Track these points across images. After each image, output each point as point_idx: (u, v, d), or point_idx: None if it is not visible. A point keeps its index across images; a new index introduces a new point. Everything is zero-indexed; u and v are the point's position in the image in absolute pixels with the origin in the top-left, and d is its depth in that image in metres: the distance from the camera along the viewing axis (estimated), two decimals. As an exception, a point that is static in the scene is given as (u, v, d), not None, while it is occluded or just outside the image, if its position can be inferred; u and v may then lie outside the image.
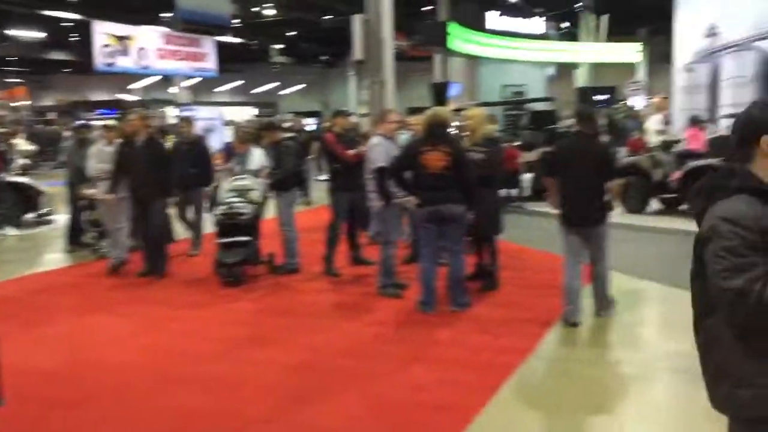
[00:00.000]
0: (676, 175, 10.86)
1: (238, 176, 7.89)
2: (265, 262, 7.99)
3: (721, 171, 2.07)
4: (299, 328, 6.03)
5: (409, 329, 5.94)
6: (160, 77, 29.87)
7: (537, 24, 26.72)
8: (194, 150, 9.01)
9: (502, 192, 9.19)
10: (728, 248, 1.89)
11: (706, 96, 14.24)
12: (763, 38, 13.09)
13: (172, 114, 22.95)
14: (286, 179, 7.88)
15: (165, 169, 7.80)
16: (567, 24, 31.51)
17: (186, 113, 19.61)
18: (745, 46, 13.39)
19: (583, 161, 5.81)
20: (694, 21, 14.33)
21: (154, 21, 23.63)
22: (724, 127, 13.26)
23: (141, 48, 19.71)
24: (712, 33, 13.92)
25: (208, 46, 22.19)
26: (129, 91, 38.11)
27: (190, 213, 9.22)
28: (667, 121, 15.23)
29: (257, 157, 7.98)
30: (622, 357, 5.35)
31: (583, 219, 5.85)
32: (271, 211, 8.31)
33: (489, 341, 5.54)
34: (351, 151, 7.66)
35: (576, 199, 5.81)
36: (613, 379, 4.90)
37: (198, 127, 20.03)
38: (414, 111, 11.28)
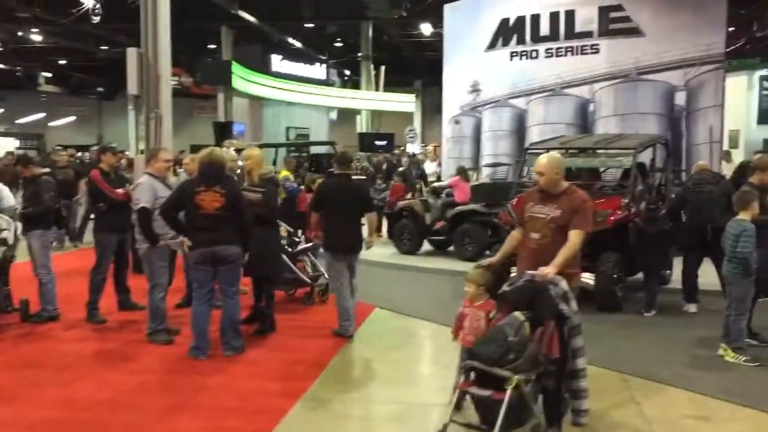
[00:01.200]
0: (441, 224, 11.64)
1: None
2: (17, 310, 7.21)
3: None
4: (51, 382, 5.48)
5: (177, 377, 5.65)
6: None
7: (320, 70, 27.60)
8: None
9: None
10: None
11: (470, 146, 15.52)
12: (517, 96, 14.63)
13: None
14: (41, 218, 7.20)
15: None
16: (349, 72, 32.95)
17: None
18: (502, 102, 14.86)
19: (343, 198, 6.80)
20: (460, 77, 15.61)
21: None
22: (485, 175, 14.54)
23: None
24: (474, 89, 15.26)
25: (-40, 68, 19.92)
26: None
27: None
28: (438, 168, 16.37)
29: (5, 194, 7.23)
30: (392, 395, 5.50)
31: (346, 248, 6.78)
32: (25, 253, 7.53)
33: (262, 385, 5.44)
34: (119, 190, 7.25)
35: (339, 230, 6.74)
36: (383, 418, 5.03)
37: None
38: (198, 149, 10.99)
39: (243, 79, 22.55)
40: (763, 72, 17.05)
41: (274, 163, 15.62)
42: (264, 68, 24.08)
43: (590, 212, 4.77)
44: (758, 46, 25.60)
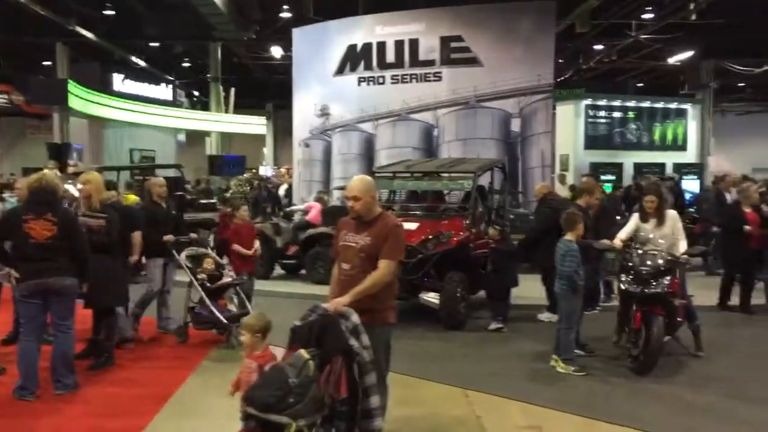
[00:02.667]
0: (295, 248, 11.62)
1: None
2: None
3: None
4: None
5: (1, 421, 5.19)
6: None
7: (166, 90, 26.82)
8: None
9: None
10: None
11: (321, 169, 15.67)
12: (365, 121, 14.98)
13: None
14: None
15: None
16: (197, 93, 32.25)
17: None
18: (350, 126, 15.15)
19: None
20: (309, 100, 15.77)
21: None
22: (336, 198, 14.70)
23: None
24: (324, 113, 15.46)
25: None
26: None
27: None
28: (289, 192, 16.35)
29: None
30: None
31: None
32: None
33: (97, 424, 5.13)
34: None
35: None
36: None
37: None
38: (31, 171, 10.26)
39: (81, 99, 21.39)
40: (588, 101, 18.56)
41: (116, 188, 14.84)
42: (104, 88, 23.01)
43: (401, 240, 4.42)
44: (584, 77, 28.01)
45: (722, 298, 9.36)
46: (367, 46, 14.89)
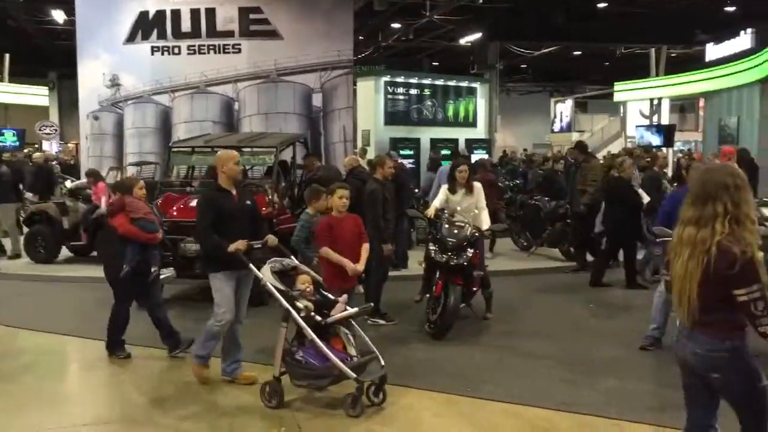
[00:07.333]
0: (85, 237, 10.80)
1: None
2: None
3: None
4: None
5: None
6: None
7: None
8: None
9: None
10: None
11: (112, 144, 14.63)
12: (160, 93, 14.21)
13: None
14: None
15: None
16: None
17: None
18: (145, 98, 14.29)
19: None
20: (97, 70, 14.58)
21: None
22: (129, 173, 13.85)
23: None
24: (114, 83, 14.40)
25: None
26: None
27: None
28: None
29: None
30: (26, 422, 4.91)
31: None
32: None
33: None
34: None
35: None
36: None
37: None
38: None
39: None
40: (387, 78, 19.07)
41: None
42: None
43: None
44: (383, 54, 28.79)
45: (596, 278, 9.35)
46: (161, 14, 14.05)
